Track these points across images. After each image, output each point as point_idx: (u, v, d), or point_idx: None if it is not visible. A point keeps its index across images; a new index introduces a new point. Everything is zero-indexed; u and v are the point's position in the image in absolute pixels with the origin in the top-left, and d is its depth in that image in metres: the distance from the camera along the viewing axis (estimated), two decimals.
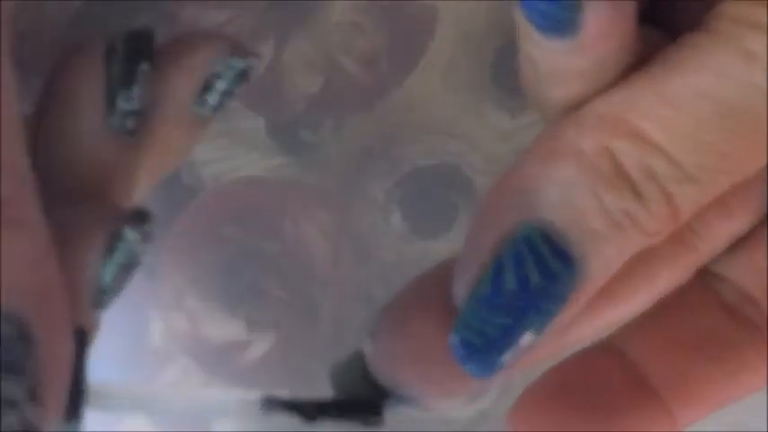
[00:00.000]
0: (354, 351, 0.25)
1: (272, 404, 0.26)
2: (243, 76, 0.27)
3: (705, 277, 0.25)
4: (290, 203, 0.36)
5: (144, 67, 0.26)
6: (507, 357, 0.22)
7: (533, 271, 0.21)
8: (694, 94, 0.21)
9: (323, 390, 0.37)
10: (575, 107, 0.22)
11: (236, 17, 0.35)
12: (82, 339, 0.25)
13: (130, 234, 0.25)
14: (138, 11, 0.34)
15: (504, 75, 0.36)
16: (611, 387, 0.25)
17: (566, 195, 0.21)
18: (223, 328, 0.36)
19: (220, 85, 0.27)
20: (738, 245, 0.25)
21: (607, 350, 0.25)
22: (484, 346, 0.22)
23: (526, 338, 0.22)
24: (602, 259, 0.22)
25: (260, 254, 0.36)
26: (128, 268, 0.26)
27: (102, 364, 0.36)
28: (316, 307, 0.36)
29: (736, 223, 0.24)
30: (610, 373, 0.25)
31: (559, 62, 0.22)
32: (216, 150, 0.36)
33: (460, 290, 0.22)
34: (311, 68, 0.36)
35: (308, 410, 0.26)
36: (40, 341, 0.22)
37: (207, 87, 0.27)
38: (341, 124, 0.36)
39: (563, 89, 0.22)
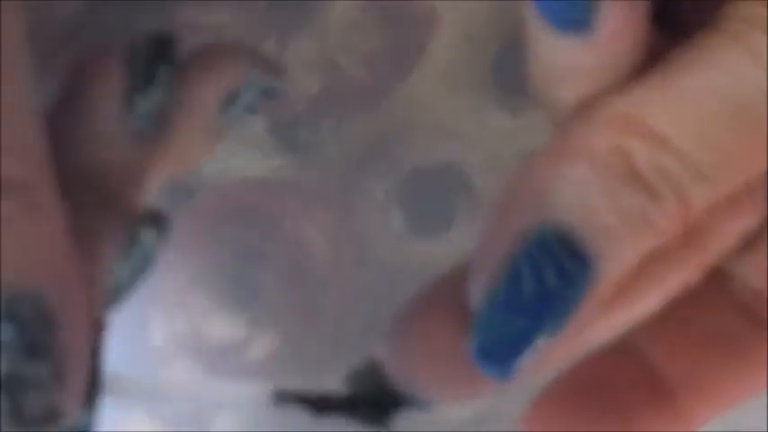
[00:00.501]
0: (369, 357, 0.25)
1: (283, 397, 0.26)
2: (268, 93, 0.28)
3: (716, 276, 0.25)
4: (290, 203, 0.36)
5: (165, 69, 0.26)
6: (525, 360, 0.22)
7: (549, 272, 0.21)
8: (706, 93, 0.21)
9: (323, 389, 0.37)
10: (584, 107, 0.22)
11: (236, 17, 0.35)
12: (99, 332, 0.25)
13: (147, 235, 0.26)
14: (138, 11, 0.34)
15: (504, 75, 0.36)
16: (626, 387, 0.25)
17: (579, 195, 0.21)
18: (223, 328, 0.36)
19: (244, 100, 0.27)
20: (747, 243, 0.25)
21: (621, 350, 0.25)
22: (501, 348, 0.22)
23: (543, 340, 0.22)
24: (616, 258, 0.22)
25: (260, 254, 0.36)
26: (142, 268, 0.26)
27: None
28: (316, 307, 0.36)
29: (746, 222, 0.24)
30: (624, 373, 0.25)
31: (570, 61, 0.22)
32: (217, 150, 0.36)
33: (476, 293, 0.22)
34: (311, 68, 0.36)
35: (318, 404, 0.26)
36: (63, 324, 0.22)
37: (230, 100, 0.27)
38: (341, 124, 0.36)
39: (573, 88, 0.22)
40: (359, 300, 0.36)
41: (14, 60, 0.22)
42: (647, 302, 0.24)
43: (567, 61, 0.22)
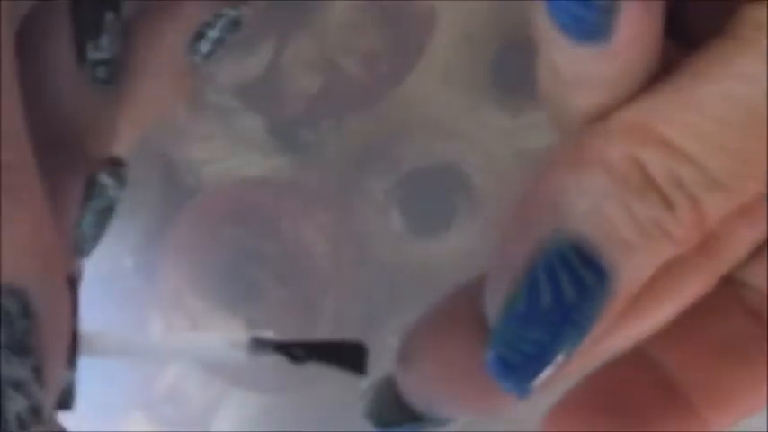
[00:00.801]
0: (385, 375, 0.25)
1: (261, 345, 0.26)
2: (235, 24, 0.28)
3: (728, 282, 0.25)
4: (290, 203, 0.36)
5: (110, 16, 0.26)
6: (545, 373, 0.22)
7: (567, 284, 0.21)
8: (720, 100, 0.21)
9: (323, 391, 0.36)
10: (597, 116, 0.22)
11: None
12: (73, 289, 0.24)
13: (106, 180, 0.25)
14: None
15: (504, 75, 0.36)
16: (643, 394, 0.25)
17: (596, 206, 0.21)
18: (223, 328, 0.36)
19: (212, 34, 0.27)
20: (759, 250, 0.25)
21: (636, 358, 0.25)
22: (520, 362, 0.22)
23: (562, 353, 0.21)
24: (632, 269, 0.21)
25: (260, 254, 0.36)
26: (105, 214, 0.26)
27: (101, 364, 0.36)
28: (316, 307, 0.36)
29: (759, 230, 0.24)
30: (640, 380, 0.25)
31: (585, 69, 0.21)
32: (216, 150, 0.36)
33: (493, 306, 0.22)
34: (311, 68, 0.36)
35: (296, 352, 0.26)
36: (43, 316, 0.21)
37: (199, 36, 0.27)
38: (341, 124, 0.36)
39: (587, 97, 0.22)
40: (359, 300, 0.36)
41: (9, 57, 0.22)
42: (664, 312, 0.24)
43: (582, 70, 0.21)
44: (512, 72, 0.35)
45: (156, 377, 0.37)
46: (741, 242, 0.24)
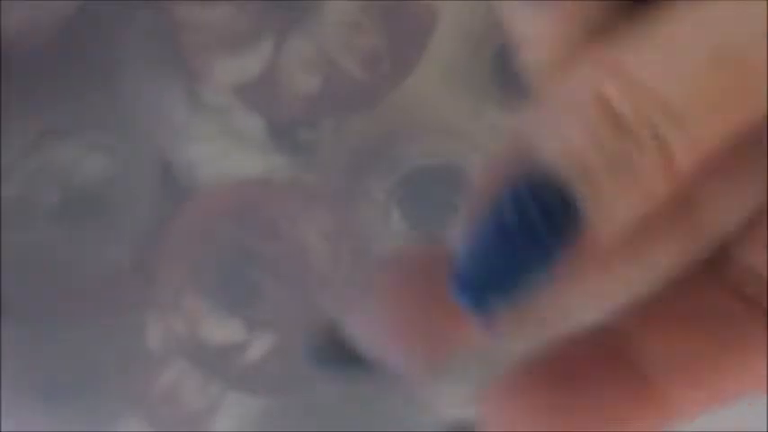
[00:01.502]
0: (330, 322, 0.24)
1: None
2: None
3: (712, 258, 0.25)
4: (290, 203, 0.36)
5: None
6: (506, 297, 0.22)
7: (535, 217, 0.21)
8: (690, 38, 0.21)
9: (322, 393, 0.37)
10: (567, 57, 0.22)
11: (234, 15, 0.35)
12: None
13: None
14: (137, 9, 0.34)
15: (504, 75, 0.36)
16: (604, 375, 0.25)
17: (564, 141, 0.22)
18: (222, 329, 0.36)
19: None
20: (746, 222, 0.24)
21: (605, 335, 0.25)
22: (482, 275, 0.22)
23: (526, 277, 0.22)
24: (600, 203, 0.22)
25: (259, 254, 0.36)
26: None
27: (99, 364, 0.36)
28: (316, 307, 0.36)
29: (741, 195, 0.24)
30: (603, 360, 0.25)
31: (538, 28, 0.22)
32: (216, 150, 0.36)
33: (461, 230, 0.22)
34: (311, 68, 0.36)
35: None
36: None
37: None
38: (341, 124, 0.36)
39: (548, 55, 0.22)
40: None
41: None
42: (633, 278, 0.24)
43: (535, 29, 0.22)
44: (512, 72, 0.36)
45: (156, 377, 0.37)
46: (723, 211, 0.24)
